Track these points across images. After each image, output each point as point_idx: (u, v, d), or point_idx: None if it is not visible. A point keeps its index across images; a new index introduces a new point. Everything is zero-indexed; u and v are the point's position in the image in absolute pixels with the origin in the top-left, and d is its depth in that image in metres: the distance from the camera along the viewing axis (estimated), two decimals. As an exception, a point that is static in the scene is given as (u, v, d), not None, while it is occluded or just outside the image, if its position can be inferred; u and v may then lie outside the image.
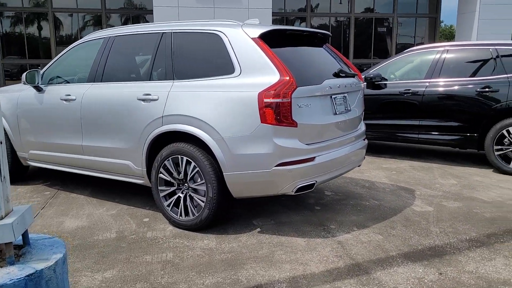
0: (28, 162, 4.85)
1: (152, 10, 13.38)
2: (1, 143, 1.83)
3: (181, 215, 3.62)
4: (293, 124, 3.27)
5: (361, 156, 4.20)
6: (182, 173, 3.56)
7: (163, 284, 2.75)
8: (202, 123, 3.38)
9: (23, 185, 5.06)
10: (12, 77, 12.71)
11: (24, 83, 4.60)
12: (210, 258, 3.12)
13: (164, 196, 3.71)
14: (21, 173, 5.16)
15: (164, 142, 3.67)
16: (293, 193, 3.36)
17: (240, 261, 3.07)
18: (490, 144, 5.48)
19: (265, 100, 3.19)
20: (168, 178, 3.66)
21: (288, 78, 3.22)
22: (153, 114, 3.64)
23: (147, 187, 3.92)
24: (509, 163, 5.39)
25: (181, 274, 2.88)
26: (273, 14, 15.58)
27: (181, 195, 3.62)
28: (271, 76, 3.25)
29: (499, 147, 5.45)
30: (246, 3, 14.81)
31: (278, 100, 3.18)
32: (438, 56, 6.06)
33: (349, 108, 3.89)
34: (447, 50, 6.05)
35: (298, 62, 3.61)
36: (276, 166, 3.25)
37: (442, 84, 5.89)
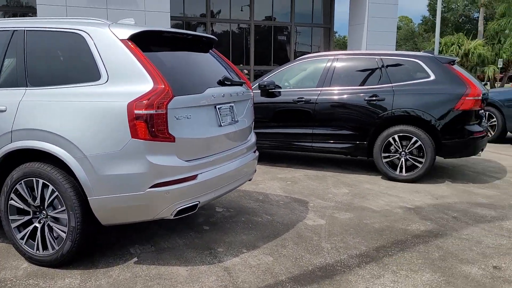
0: None
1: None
2: None
3: (38, 249, 3.01)
4: (170, 138, 2.87)
5: (252, 169, 3.94)
6: (39, 199, 2.97)
7: None
8: (61, 139, 2.83)
9: None
10: None
11: None
12: (69, 302, 2.59)
13: (17, 226, 3.07)
14: None
15: (16, 163, 3.04)
16: (172, 217, 2.96)
17: (106, 303, 2.58)
18: (378, 151, 5.60)
19: (136, 111, 2.75)
20: (21, 206, 3.03)
21: (163, 86, 2.82)
22: (-1, 129, 3.00)
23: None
24: (396, 170, 5.54)
25: (27, 328, 2.32)
26: (172, 18, 15.04)
27: (37, 225, 3.02)
28: (144, 84, 2.82)
29: (386, 154, 5.59)
30: (142, 6, 14.06)
31: (151, 111, 2.76)
32: (329, 64, 6.09)
33: (236, 119, 3.60)
34: (337, 58, 6.11)
35: (177, 68, 3.22)
36: (150, 187, 2.82)
37: (333, 93, 5.91)
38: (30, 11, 14.96)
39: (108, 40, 2.96)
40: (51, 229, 2.98)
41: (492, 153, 7.29)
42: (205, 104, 3.21)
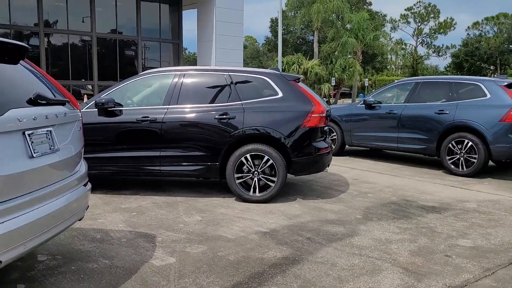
0: None
1: None
2: None
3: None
4: None
5: (82, 206, 3.22)
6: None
7: None
8: None
9: None
10: None
11: None
12: None
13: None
14: None
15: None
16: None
17: None
18: (231, 172, 5.32)
19: None
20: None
21: None
22: None
23: None
24: (249, 191, 5.33)
25: None
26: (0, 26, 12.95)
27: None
28: None
29: (240, 174, 5.35)
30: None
31: None
32: (176, 80, 5.64)
33: (56, 147, 2.87)
34: (184, 74, 5.70)
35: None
36: None
37: (181, 111, 5.47)
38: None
39: None
40: None
41: (334, 166, 7.69)
42: (7, 130, 2.44)
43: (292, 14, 55.51)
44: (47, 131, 2.80)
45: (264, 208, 5.08)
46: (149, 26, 18.83)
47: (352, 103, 10.20)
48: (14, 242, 2.38)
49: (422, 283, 3.17)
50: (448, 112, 7.28)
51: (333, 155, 6.53)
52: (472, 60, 54.26)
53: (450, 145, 7.22)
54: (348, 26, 34.48)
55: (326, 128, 5.84)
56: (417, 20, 63.27)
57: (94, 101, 5.48)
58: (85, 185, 3.28)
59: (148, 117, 5.42)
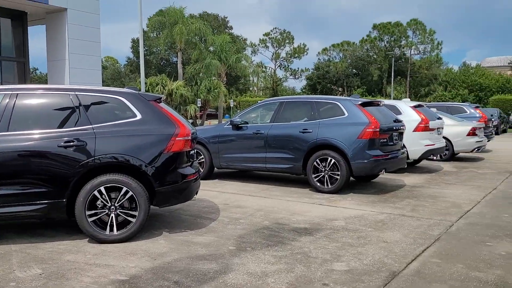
0: None
1: None
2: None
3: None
4: None
5: None
6: None
7: None
8: None
9: None
10: None
11: None
12: None
13: None
14: None
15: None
16: None
17: None
18: (81, 209, 4.48)
19: None
20: None
21: None
22: None
23: None
24: (105, 229, 4.55)
25: None
26: None
27: None
28: None
29: (93, 211, 4.53)
30: None
31: None
32: (6, 101, 4.60)
33: None
34: (17, 94, 4.70)
35: None
36: None
37: (13, 139, 4.46)
38: None
39: None
40: None
41: (203, 190, 7.23)
42: None
43: (155, 35, 54.62)
44: None
45: (124, 248, 4.36)
46: (-13, 42, 16.33)
47: (219, 124, 9.94)
48: None
49: (304, 323, 2.85)
50: (311, 130, 7.42)
51: (201, 179, 6.08)
52: (323, 82, 59.64)
53: (315, 163, 7.34)
54: (212, 48, 34.96)
55: (192, 151, 5.37)
56: (275, 45, 67.62)
57: None
58: None
59: (-32, 147, 4.30)
